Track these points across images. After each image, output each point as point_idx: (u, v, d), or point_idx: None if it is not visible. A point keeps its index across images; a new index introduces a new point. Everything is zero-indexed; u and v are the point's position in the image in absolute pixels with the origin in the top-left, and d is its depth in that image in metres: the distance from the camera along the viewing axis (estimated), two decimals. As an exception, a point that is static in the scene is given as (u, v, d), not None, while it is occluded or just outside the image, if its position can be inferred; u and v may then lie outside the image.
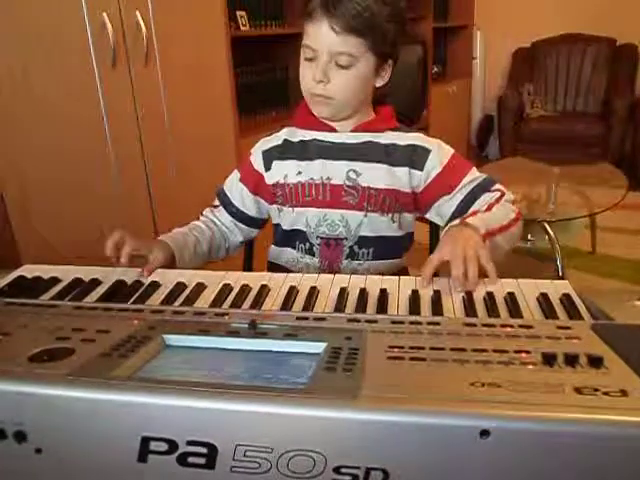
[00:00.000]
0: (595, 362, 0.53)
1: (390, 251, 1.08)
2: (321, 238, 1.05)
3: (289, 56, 2.60)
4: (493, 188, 1.02)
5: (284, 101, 2.68)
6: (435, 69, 4.07)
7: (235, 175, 1.13)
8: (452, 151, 1.05)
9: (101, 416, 0.52)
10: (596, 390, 0.48)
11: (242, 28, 2.34)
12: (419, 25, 3.63)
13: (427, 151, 1.03)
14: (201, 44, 2.00)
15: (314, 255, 1.06)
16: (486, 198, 1.00)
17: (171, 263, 0.99)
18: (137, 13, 1.76)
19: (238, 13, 2.32)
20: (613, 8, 4.08)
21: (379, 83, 1.01)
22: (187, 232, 1.07)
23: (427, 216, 1.08)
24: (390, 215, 1.04)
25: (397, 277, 0.84)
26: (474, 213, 0.95)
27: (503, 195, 1.00)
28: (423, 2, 3.59)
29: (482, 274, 0.81)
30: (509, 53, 4.49)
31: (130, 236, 0.93)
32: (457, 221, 0.93)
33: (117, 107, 1.79)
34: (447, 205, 1.03)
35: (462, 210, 1.01)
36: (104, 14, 1.68)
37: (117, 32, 1.73)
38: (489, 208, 0.97)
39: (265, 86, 2.57)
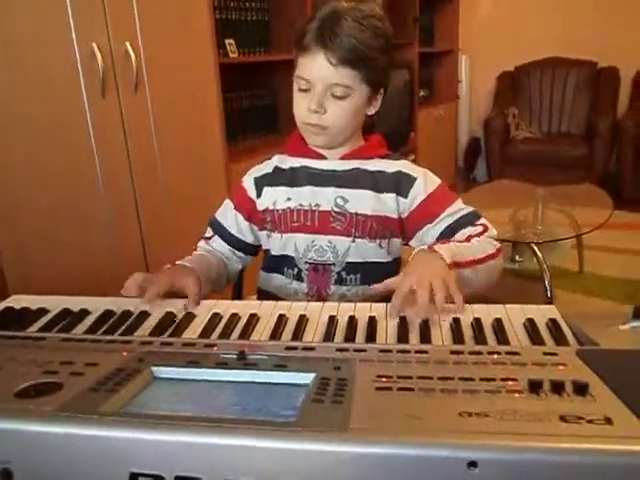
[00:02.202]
0: (580, 389, 0.54)
1: (378, 277, 1.07)
2: (309, 263, 1.05)
3: (277, 82, 2.64)
4: (477, 222, 1.02)
5: (272, 126, 2.71)
6: (422, 93, 4.13)
7: (228, 204, 1.14)
8: (438, 181, 1.06)
9: (89, 452, 0.51)
10: (581, 418, 0.49)
11: (231, 55, 2.37)
12: (406, 50, 3.71)
13: (413, 179, 1.04)
14: (190, 72, 2.02)
15: (302, 281, 1.07)
16: (467, 232, 1.00)
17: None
18: (127, 43, 1.78)
19: (227, 41, 2.35)
20: (594, 32, 4.19)
21: (371, 111, 1.03)
22: (198, 259, 1.07)
23: (412, 244, 1.09)
24: (378, 241, 1.04)
25: (386, 304, 0.85)
26: (446, 241, 0.95)
27: (486, 230, 1.00)
28: (409, 28, 3.67)
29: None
30: (494, 77, 4.58)
31: (153, 276, 0.93)
32: (425, 246, 0.93)
33: (107, 135, 1.80)
34: (430, 234, 1.04)
35: (444, 240, 1.01)
36: (94, 44, 1.70)
37: (106, 62, 1.75)
38: (467, 240, 0.97)
39: (253, 111, 2.60)
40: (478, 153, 4.73)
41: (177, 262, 1.02)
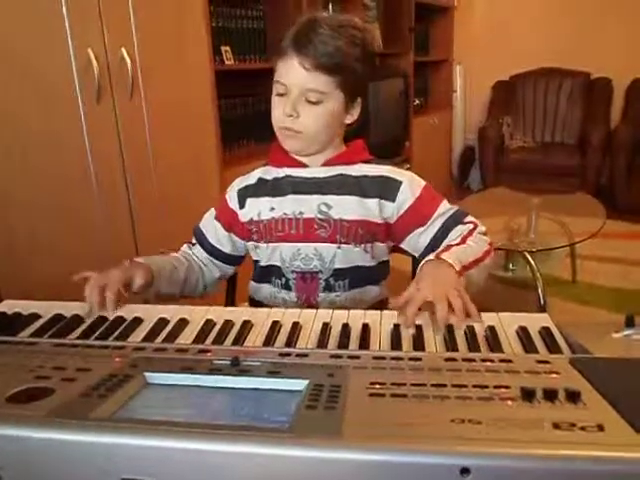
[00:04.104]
0: (573, 397, 0.54)
1: (365, 280, 1.08)
2: (296, 272, 1.05)
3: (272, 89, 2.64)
4: (466, 220, 1.04)
5: (268, 133, 2.69)
6: (417, 102, 4.16)
7: (211, 213, 1.15)
8: (424, 183, 1.07)
9: (80, 458, 0.51)
10: (573, 425, 0.49)
11: (226, 62, 2.38)
12: (401, 59, 3.73)
13: (398, 183, 1.04)
14: (186, 78, 2.02)
15: (290, 290, 1.07)
16: (459, 231, 1.01)
17: (149, 285, 0.99)
18: (122, 49, 1.78)
19: (223, 48, 2.36)
20: (587, 43, 4.23)
21: (348, 120, 1.04)
22: (165, 258, 1.09)
23: (402, 246, 1.09)
24: (363, 246, 1.04)
25: (379, 311, 0.85)
26: (448, 247, 0.96)
27: (476, 227, 1.02)
28: (405, 37, 3.69)
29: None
30: (488, 86, 4.61)
31: (105, 275, 0.93)
32: (432, 256, 0.94)
33: (102, 141, 1.79)
34: (421, 237, 1.04)
35: (436, 242, 1.02)
36: (89, 50, 1.70)
37: (102, 67, 1.74)
38: (463, 241, 0.98)
39: (249, 118, 2.61)
40: (472, 162, 4.75)
41: (135, 259, 1.03)
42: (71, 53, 1.68)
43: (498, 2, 4.56)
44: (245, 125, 2.60)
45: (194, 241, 1.16)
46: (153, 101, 1.91)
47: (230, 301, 1.30)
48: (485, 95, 4.65)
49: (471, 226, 1.02)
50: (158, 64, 1.91)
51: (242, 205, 1.10)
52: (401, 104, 3.63)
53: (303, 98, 0.97)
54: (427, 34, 4.39)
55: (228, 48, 2.40)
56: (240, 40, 2.49)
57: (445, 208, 1.04)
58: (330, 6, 3.04)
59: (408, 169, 1.11)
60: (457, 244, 0.97)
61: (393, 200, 1.03)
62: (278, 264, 1.06)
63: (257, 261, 1.12)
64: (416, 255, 1.09)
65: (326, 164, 1.06)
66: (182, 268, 1.09)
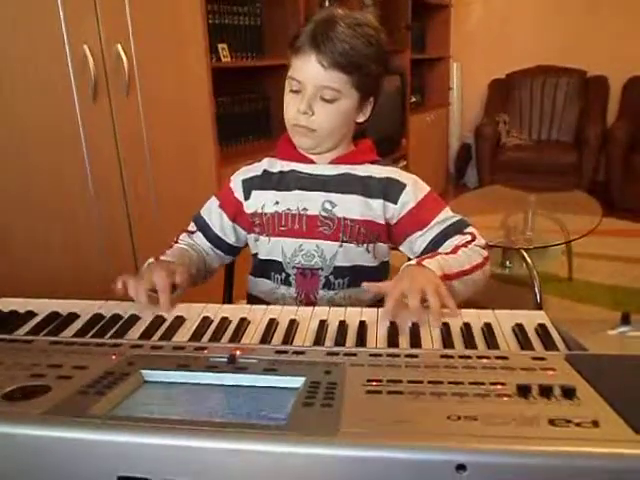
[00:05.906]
0: (568, 393, 0.54)
1: (366, 280, 1.08)
2: (297, 268, 1.05)
3: (270, 87, 2.64)
4: (466, 230, 1.02)
5: (265, 131, 2.71)
6: (414, 99, 4.16)
7: (213, 201, 1.13)
8: (428, 188, 1.06)
9: (76, 456, 0.51)
10: (568, 421, 0.49)
11: (223, 60, 2.38)
12: (398, 56, 3.73)
13: (402, 185, 1.04)
14: (182, 76, 2.02)
15: (290, 285, 1.07)
16: (455, 240, 1.00)
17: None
18: (118, 46, 1.78)
19: (219, 45, 2.36)
20: (583, 41, 4.24)
21: (360, 119, 1.04)
22: (180, 252, 1.07)
23: (400, 248, 1.10)
24: (365, 245, 1.05)
25: (376, 309, 0.85)
26: (434, 254, 0.94)
27: (474, 239, 1.00)
28: (402, 34, 3.69)
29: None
30: (485, 84, 4.62)
31: (149, 275, 0.91)
32: (414, 260, 0.94)
33: (98, 138, 1.79)
34: (419, 241, 1.04)
35: (433, 248, 1.01)
36: (85, 46, 1.70)
37: (98, 64, 1.74)
38: (454, 251, 0.96)
39: (246, 116, 2.61)
40: (469, 159, 4.75)
41: (161, 257, 1.02)
42: (67, 49, 1.67)
43: (495, 0, 4.56)
44: (241, 123, 2.60)
45: (193, 229, 1.14)
46: (149, 98, 1.91)
47: (228, 296, 1.30)
48: (482, 93, 4.66)
49: (469, 237, 1.00)
50: (154, 61, 1.91)
51: (247, 196, 1.09)
52: (398, 102, 3.63)
53: (318, 96, 0.96)
54: (424, 32, 4.39)
55: (225, 46, 2.40)
56: (237, 37, 2.49)
57: (446, 216, 1.03)
58: (327, 3, 3.04)
59: (405, 167, 1.11)
60: (446, 253, 0.96)
61: (395, 202, 1.04)
62: (279, 259, 1.06)
63: (256, 254, 1.11)
64: (412, 257, 1.08)
65: (333, 162, 1.06)
66: (193, 261, 1.07)
